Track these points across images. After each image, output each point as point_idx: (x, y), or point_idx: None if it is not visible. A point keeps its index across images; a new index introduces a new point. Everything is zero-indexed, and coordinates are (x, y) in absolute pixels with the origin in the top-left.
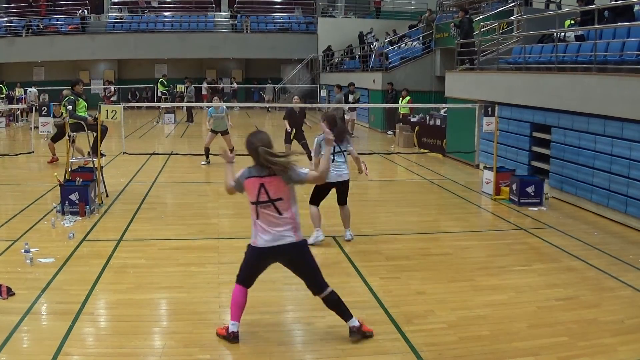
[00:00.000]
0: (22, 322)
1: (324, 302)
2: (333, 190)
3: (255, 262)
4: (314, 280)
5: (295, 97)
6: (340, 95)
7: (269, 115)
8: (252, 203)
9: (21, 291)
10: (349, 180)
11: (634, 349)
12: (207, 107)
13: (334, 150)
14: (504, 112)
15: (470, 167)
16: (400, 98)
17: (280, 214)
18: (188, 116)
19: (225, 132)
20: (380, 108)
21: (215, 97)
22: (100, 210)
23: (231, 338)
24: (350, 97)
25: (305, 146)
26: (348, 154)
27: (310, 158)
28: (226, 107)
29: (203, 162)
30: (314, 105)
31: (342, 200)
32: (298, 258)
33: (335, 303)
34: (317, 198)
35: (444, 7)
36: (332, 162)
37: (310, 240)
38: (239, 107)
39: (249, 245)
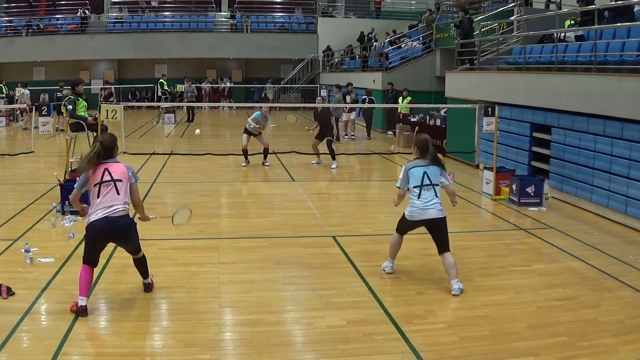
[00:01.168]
0: (22, 322)
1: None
2: None
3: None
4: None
5: (319, 97)
6: (340, 96)
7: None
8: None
9: (21, 291)
10: (444, 218)
11: (634, 349)
12: (207, 107)
13: (421, 183)
14: (504, 112)
15: (470, 167)
16: (401, 98)
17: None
18: (188, 116)
19: (259, 134)
20: (380, 108)
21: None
22: None
23: None
24: (348, 98)
25: (329, 143)
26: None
27: (333, 157)
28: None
29: (243, 164)
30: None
31: (440, 247)
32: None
33: None
34: (402, 228)
35: (443, 7)
36: (418, 197)
37: (382, 265)
38: (235, 106)
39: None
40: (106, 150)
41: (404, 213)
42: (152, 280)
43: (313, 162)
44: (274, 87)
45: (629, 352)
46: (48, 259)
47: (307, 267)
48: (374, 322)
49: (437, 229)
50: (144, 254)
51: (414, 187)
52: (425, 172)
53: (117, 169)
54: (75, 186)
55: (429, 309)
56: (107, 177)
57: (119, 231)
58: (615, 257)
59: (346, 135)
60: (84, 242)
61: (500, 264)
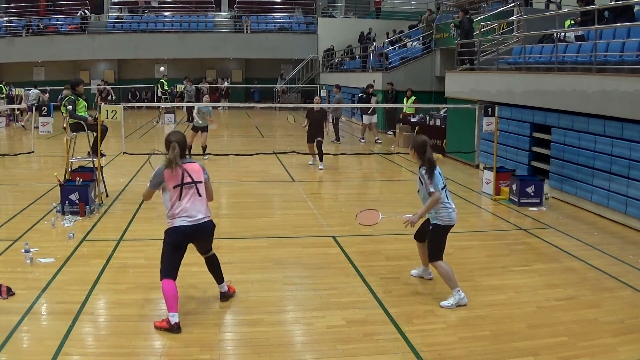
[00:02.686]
0: (22, 322)
1: None
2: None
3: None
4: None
5: (316, 97)
6: (340, 96)
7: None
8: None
9: (21, 291)
10: None
11: (634, 349)
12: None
13: (444, 184)
14: (504, 112)
15: (470, 167)
16: (405, 98)
17: None
18: (188, 116)
19: (205, 129)
20: (380, 108)
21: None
22: (100, 210)
23: None
24: (373, 99)
25: (319, 144)
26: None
27: (321, 158)
28: (211, 107)
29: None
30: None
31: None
32: None
33: None
34: (443, 248)
35: (443, 7)
36: (447, 199)
37: (449, 303)
38: (228, 107)
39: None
40: (182, 150)
41: (436, 225)
42: (229, 288)
43: (310, 162)
44: (282, 86)
45: (629, 352)
46: (48, 259)
47: (307, 267)
48: (374, 322)
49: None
50: (214, 253)
51: (442, 188)
52: (440, 174)
53: (193, 168)
54: (149, 186)
55: (429, 309)
56: (187, 179)
57: (203, 235)
58: (615, 257)
59: (362, 139)
60: (163, 251)
61: (500, 264)
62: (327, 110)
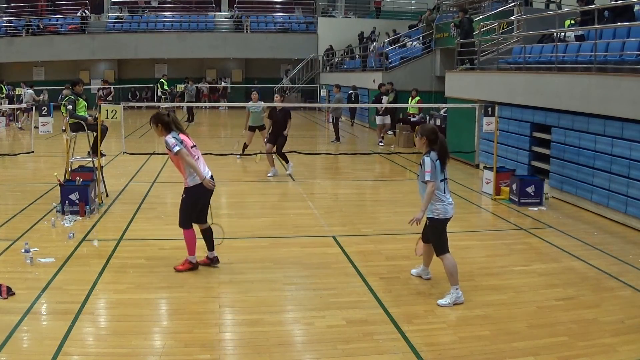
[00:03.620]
0: (22, 322)
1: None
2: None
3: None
4: None
5: (277, 95)
6: (340, 95)
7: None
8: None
9: (21, 291)
10: None
11: (634, 349)
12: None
13: (444, 177)
14: (504, 112)
15: (470, 167)
16: (410, 98)
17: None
18: (188, 116)
19: (262, 127)
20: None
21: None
22: (100, 210)
23: None
24: (384, 99)
25: (281, 145)
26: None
27: (286, 159)
28: (262, 105)
29: (238, 157)
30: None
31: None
32: None
33: None
34: (446, 241)
35: (443, 7)
36: (444, 192)
37: (446, 302)
38: (227, 106)
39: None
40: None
41: (432, 219)
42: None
43: (270, 174)
44: (284, 86)
45: (629, 352)
46: (48, 259)
47: (307, 267)
48: (374, 322)
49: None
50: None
51: (440, 180)
52: (443, 166)
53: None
54: (179, 150)
55: (429, 309)
56: (193, 142)
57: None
58: (615, 257)
59: (381, 141)
60: (186, 206)
61: (500, 264)
62: (290, 111)
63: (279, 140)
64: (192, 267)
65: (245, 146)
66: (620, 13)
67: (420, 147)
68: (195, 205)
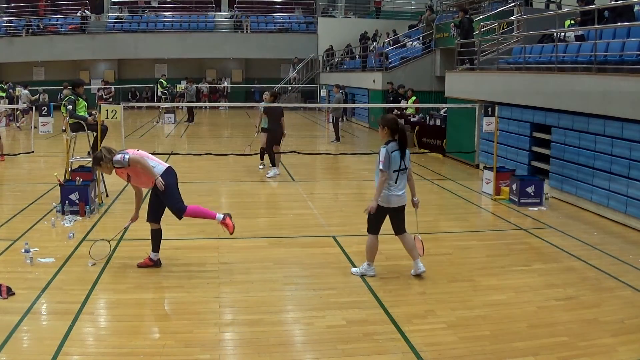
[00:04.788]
0: (22, 322)
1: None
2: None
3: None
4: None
5: (266, 92)
6: (340, 95)
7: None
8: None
9: (21, 291)
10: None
11: (634, 349)
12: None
13: (399, 167)
14: (504, 112)
15: (470, 167)
16: (406, 98)
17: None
18: (188, 116)
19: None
20: (380, 108)
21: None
22: (100, 210)
23: None
24: (404, 103)
25: (271, 143)
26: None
27: (274, 162)
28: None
29: (260, 166)
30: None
31: (401, 229)
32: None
33: None
34: (378, 225)
35: (442, 7)
36: (395, 182)
37: (356, 270)
38: (228, 106)
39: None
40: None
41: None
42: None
43: (269, 174)
44: (286, 86)
45: (629, 352)
46: (48, 259)
47: (307, 267)
48: (374, 322)
49: (400, 215)
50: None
51: (394, 171)
52: (402, 156)
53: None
54: (123, 154)
55: (429, 309)
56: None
57: None
58: (615, 257)
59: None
60: (170, 185)
61: (500, 264)
62: (282, 110)
63: (269, 136)
64: (230, 222)
65: (262, 151)
66: (620, 13)
67: (383, 137)
68: (175, 183)
